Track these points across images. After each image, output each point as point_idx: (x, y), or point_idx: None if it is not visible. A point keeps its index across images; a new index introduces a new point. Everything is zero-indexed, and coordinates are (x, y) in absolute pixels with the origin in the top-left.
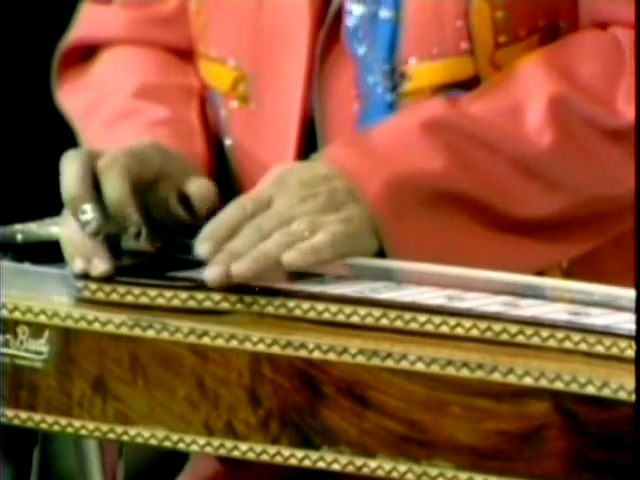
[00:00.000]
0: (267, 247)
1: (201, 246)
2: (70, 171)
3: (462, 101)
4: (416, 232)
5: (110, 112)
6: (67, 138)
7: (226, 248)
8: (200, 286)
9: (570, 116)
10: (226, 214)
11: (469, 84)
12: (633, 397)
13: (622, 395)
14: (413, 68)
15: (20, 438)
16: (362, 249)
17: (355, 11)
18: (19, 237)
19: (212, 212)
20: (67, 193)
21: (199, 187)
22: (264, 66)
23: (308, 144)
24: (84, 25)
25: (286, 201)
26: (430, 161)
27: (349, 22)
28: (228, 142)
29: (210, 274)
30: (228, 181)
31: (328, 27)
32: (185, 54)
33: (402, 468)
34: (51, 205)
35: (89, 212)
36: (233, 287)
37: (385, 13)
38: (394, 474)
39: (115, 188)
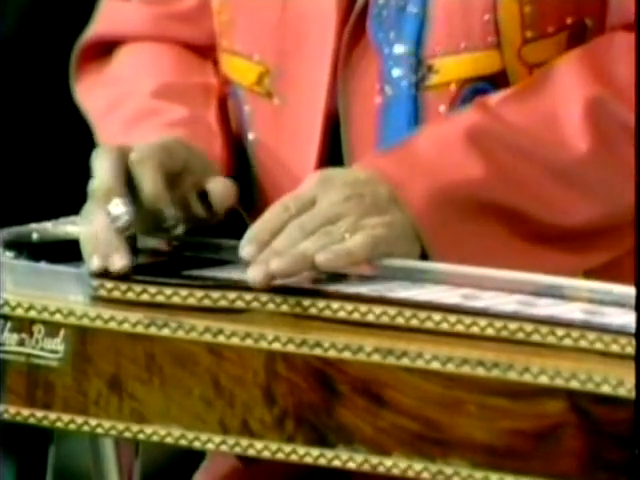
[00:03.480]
0: (306, 247)
1: (245, 248)
2: (103, 165)
3: (497, 106)
4: (456, 241)
5: (129, 112)
6: (82, 139)
7: (269, 247)
8: (215, 285)
9: (606, 121)
10: (270, 215)
11: (496, 78)
12: None
13: None
14: (440, 61)
15: (25, 436)
16: (400, 254)
17: (382, 5)
18: (34, 236)
19: (230, 210)
20: (100, 187)
21: (218, 185)
22: (289, 62)
23: (332, 140)
24: (104, 21)
25: (330, 200)
26: (471, 171)
27: (375, 16)
28: (251, 137)
29: (252, 273)
30: (247, 179)
31: (354, 21)
32: (204, 51)
33: (418, 467)
34: (66, 204)
35: (121, 206)
36: (245, 287)
37: (413, 8)
38: (409, 473)
39: (151, 182)
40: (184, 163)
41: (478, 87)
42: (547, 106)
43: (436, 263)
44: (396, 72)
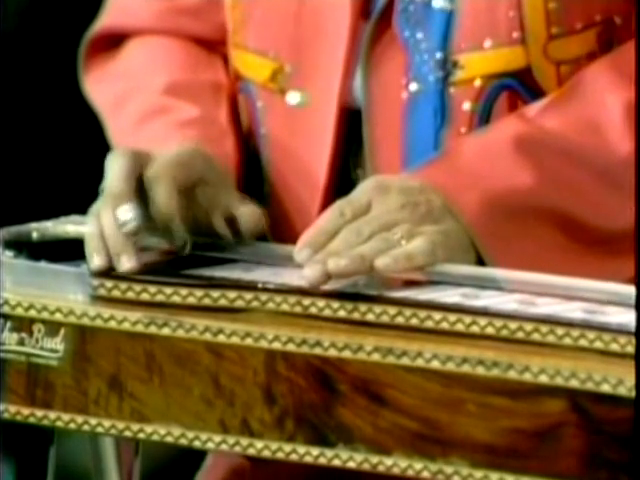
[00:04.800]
0: (364, 250)
1: (300, 253)
2: (116, 168)
3: (537, 115)
4: (511, 248)
5: (139, 108)
6: (83, 138)
7: (325, 249)
8: (215, 284)
9: None
10: (325, 220)
11: (522, 74)
12: None
13: None
14: (465, 57)
15: (25, 435)
16: (456, 262)
17: (408, 0)
18: (34, 235)
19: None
20: (110, 189)
21: (248, 212)
22: (304, 58)
23: (347, 136)
24: (112, 13)
25: (386, 207)
26: (521, 178)
27: (402, 11)
28: (263, 133)
29: (309, 272)
30: (257, 176)
31: (378, 15)
32: (212, 45)
33: (418, 466)
34: (66, 203)
35: (129, 211)
36: (245, 286)
37: (439, 4)
38: (410, 472)
39: (164, 202)
40: (200, 176)
41: (504, 83)
42: (586, 112)
43: (491, 269)
44: (423, 67)
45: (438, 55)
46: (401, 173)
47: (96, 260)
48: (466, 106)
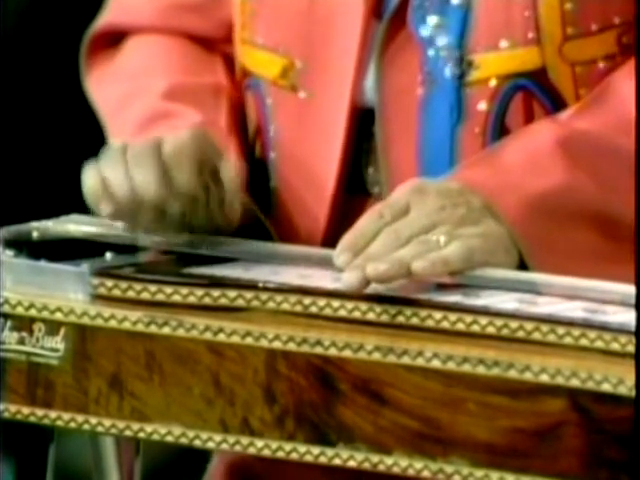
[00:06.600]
0: (402, 254)
1: (340, 256)
2: (145, 171)
3: (570, 119)
4: (554, 248)
5: (140, 113)
6: (83, 137)
7: (364, 253)
8: (216, 283)
9: None
10: (364, 222)
11: (537, 75)
12: None
13: None
14: (481, 57)
15: (25, 435)
16: (496, 265)
17: None
18: (35, 234)
19: (249, 212)
20: (147, 196)
21: (229, 163)
22: (315, 55)
23: (357, 134)
24: (114, 10)
25: (425, 209)
26: (566, 177)
27: (417, 7)
28: (272, 130)
29: (349, 278)
30: (264, 178)
31: (392, 13)
32: (212, 43)
33: (418, 465)
34: (67, 203)
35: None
36: (245, 285)
37: (456, 0)
38: (410, 471)
39: (186, 177)
40: (208, 157)
41: (519, 83)
42: (616, 113)
43: (529, 273)
44: (438, 64)
45: (454, 53)
46: (416, 171)
47: (104, 207)
48: (482, 106)
